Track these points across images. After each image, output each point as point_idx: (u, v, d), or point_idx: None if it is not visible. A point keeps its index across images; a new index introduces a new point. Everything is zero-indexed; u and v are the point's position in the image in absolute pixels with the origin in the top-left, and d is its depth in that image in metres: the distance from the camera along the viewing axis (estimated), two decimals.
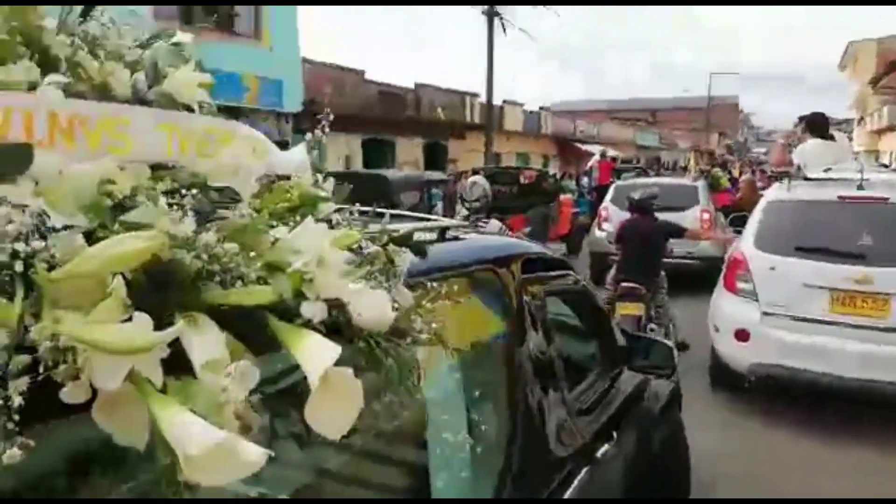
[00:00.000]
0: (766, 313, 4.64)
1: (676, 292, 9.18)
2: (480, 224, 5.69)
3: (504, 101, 21.18)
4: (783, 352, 4.52)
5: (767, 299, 4.64)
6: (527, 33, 19.44)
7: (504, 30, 18.11)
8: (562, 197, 13.65)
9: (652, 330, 6.16)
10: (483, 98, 18.15)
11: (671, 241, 6.49)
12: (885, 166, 5.89)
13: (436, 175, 8.88)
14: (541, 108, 24.15)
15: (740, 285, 4.79)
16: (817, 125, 5.94)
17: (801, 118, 5.99)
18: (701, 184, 9.79)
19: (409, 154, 16.33)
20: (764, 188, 12.54)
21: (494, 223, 5.71)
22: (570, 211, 13.35)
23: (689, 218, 9.19)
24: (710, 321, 5.14)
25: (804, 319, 4.49)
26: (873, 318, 4.30)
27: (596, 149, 25.75)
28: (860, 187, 4.69)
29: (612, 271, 6.52)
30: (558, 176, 23.23)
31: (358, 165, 14.26)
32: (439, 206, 8.54)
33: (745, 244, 4.88)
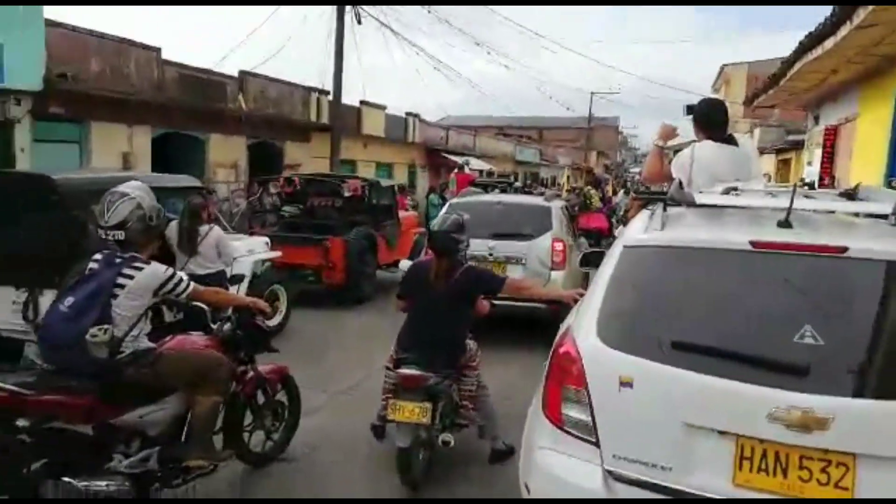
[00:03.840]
0: (612, 474, 2.29)
1: (512, 348, 6.62)
2: (129, 268, 3.04)
3: (362, 102, 18.58)
4: None
5: (616, 447, 2.30)
6: (389, 28, 17.11)
7: (359, 20, 15.63)
8: (404, 214, 11.26)
9: (445, 443, 3.74)
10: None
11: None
12: (810, 185, 3.78)
13: (176, 180, 6.11)
14: (408, 114, 21.77)
15: (569, 412, 2.42)
16: (712, 119, 3.77)
17: (690, 107, 3.82)
18: (556, 205, 7.64)
19: (226, 154, 13.25)
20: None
21: (154, 268, 3.09)
22: (413, 231, 10.96)
23: (536, 249, 7.02)
24: (520, 471, 2.75)
25: (685, 498, 2.17)
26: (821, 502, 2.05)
27: (474, 162, 23.85)
28: (785, 224, 2.48)
29: (394, 344, 4.05)
30: (427, 189, 21.02)
31: (145, 166, 11.07)
32: (173, 230, 5.72)
33: (582, 328, 2.52)
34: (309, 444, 4.44)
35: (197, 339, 3.55)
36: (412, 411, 3.56)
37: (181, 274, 3.20)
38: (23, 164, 8.79)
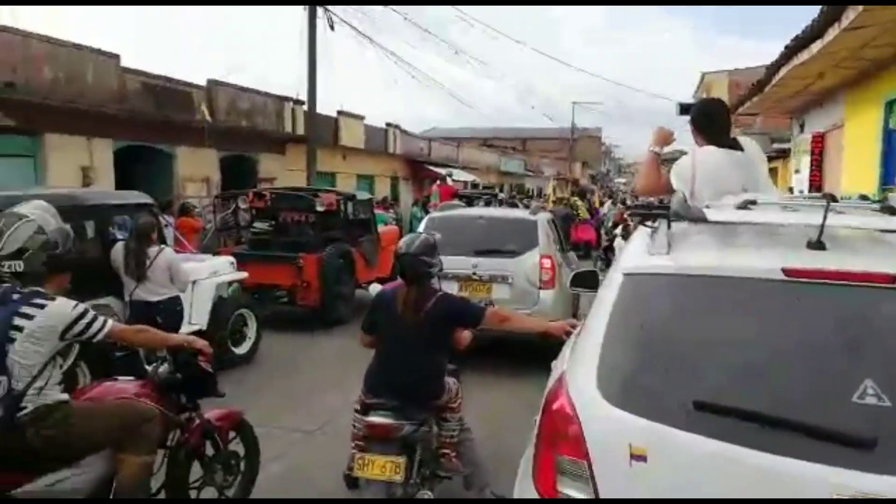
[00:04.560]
0: None
1: (498, 375, 6.18)
2: (29, 306, 2.52)
3: (339, 112, 18.10)
4: None
5: None
6: (362, 34, 16.67)
7: (332, 26, 15.16)
8: (384, 228, 10.78)
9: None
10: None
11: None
12: (832, 199, 3.22)
13: (123, 196, 5.57)
14: (388, 125, 21.31)
15: (566, 490, 1.94)
16: (714, 121, 3.32)
17: (684, 107, 3.39)
18: (542, 218, 7.19)
19: (196, 168, 12.68)
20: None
21: (60, 306, 2.59)
22: (393, 247, 10.47)
23: (523, 266, 6.57)
24: None
25: None
26: None
27: (457, 174, 23.45)
28: (817, 245, 2.04)
29: (362, 385, 3.55)
30: (412, 201, 20.55)
31: (108, 181, 10.48)
32: (119, 253, 5.23)
33: (578, 377, 2.05)
34: (272, 497, 3.92)
35: (125, 385, 3.03)
36: (383, 467, 3.06)
37: (94, 312, 2.69)
38: None
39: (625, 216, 15.44)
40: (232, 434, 3.59)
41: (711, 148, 3.27)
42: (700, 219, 2.39)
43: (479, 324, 3.36)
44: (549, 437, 2.05)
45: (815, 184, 13.64)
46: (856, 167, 11.47)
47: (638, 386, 1.94)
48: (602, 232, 16.73)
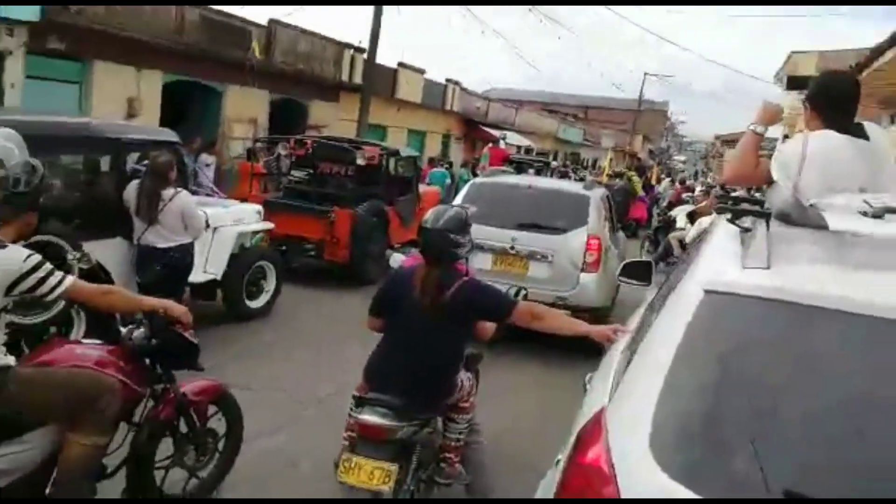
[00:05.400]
0: None
1: (517, 361, 5.58)
2: None
3: (399, 64, 17.43)
4: None
5: None
6: None
7: None
8: (425, 188, 10.29)
9: None
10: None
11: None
12: None
13: (150, 132, 5.18)
14: (448, 80, 20.53)
15: None
16: (839, 100, 2.62)
17: (794, 80, 2.75)
18: (595, 193, 6.51)
19: (245, 108, 12.30)
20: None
21: (9, 255, 2.17)
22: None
23: (567, 245, 5.97)
24: None
25: None
26: None
27: (512, 137, 22.63)
28: None
29: (362, 374, 3.07)
30: (462, 162, 19.88)
31: (153, 115, 10.21)
32: (132, 192, 4.88)
33: (623, 424, 1.50)
34: (258, 477, 3.53)
35: (88, 350, 2.62)
36: (371, 474, 2.59)
37: (51, 266, 2.26)
38: (12, 100, 8.01)
39: (682, 197, 14.52)
40: (213, 409, 3.18)
41: (830, 132, 2.58)
42: (819, 226, 1.77)
43: (506, 318, 2.81)
44: (575, 497, 1.52)
45: None
46: None
47: (709, 453, 1.38)
48: (655, 211, 15.82)
